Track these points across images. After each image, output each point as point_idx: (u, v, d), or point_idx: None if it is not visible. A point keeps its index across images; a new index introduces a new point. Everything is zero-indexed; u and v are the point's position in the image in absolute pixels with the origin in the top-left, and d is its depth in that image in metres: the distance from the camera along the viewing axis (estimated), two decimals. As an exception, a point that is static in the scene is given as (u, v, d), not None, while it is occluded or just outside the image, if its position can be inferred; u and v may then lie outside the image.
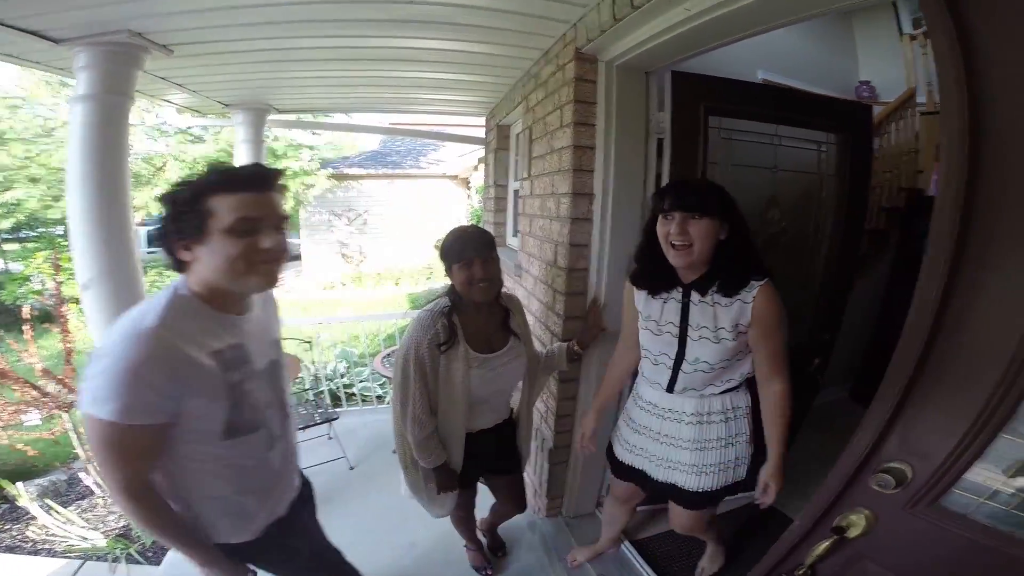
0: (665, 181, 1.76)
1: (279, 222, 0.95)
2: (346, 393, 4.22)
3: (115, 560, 2.27)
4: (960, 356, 0.72)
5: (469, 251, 1.43)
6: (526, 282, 2.38)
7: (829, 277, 2.19)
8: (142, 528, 1.02)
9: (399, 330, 4.17)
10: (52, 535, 2.42)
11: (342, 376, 4.63)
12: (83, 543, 2.37)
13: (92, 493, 2.80)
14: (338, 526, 2.25)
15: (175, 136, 8.99)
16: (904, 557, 0.82)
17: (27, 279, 7.33)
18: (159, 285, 7.16)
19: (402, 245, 11.36)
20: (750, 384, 1.37)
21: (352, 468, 2.90)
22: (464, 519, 1.94)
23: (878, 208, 3.05)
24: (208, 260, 0.91)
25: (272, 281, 0.98)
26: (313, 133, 10.56)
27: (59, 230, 7.64)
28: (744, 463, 1.39)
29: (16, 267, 8.05)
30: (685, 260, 1.23)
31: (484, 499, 1.92)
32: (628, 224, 1.81)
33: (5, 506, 2.69)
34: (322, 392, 3.70)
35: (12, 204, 7.10)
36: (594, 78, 1.72)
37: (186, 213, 0.89)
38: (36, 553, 2.38)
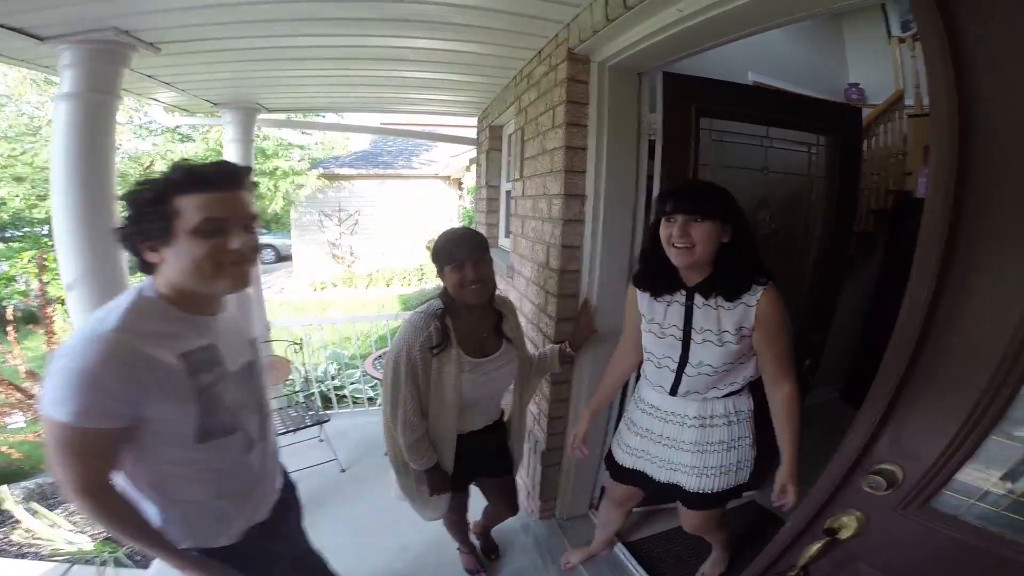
0: (657, 182, 1.76)
1: (248, 221, 0.93)
2: (337, 395, 4.20)
3: (103, 564, 2.23)
4: (951, 357, 0.72)
5: (461, 253, 1.42)
6: (518, 284, 2.38)
7: (819, 278, 2.20)
8: (101, 527, 1.00)
9: (391, 331, 4.15)
10: (37, 539, 2.38)
11: (333, 378, 4.60)
12: (69, 547, 2.33)
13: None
14: (330, 529, 2.25)
15: (163, 135, 8.91)
16: (896, 558, 0.82)
17: (12, 279, 7.22)
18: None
19: (393, 246, 11.32)
20: (753, 388, 1.37)
21: (343, 471, 2.88)
22: (457, 522, 1.93)
23: (867, 210, 3.08)
24: (175, 262, 0.88)
25: (242, 282, 0.95)
26: (304, 133, 10.52)
27: (44, 230, 7.53)
28: (747, 466, 1.40)
29: (0, 267, 7.93)
30: (687, 260, 1.23)
31: (477, 502, 1.92)
32: (620, 225, 1.81)
33: (-11, 510, 2.64)
34: (312, 394, 3.67)
35: (-3, 203, 7.02)
36: (586, 79, 1.72)
37: (150, 214, 0.86)
38: (22, 557, 2.34)
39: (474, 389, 1.53)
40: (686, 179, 1.74)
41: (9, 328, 2.73)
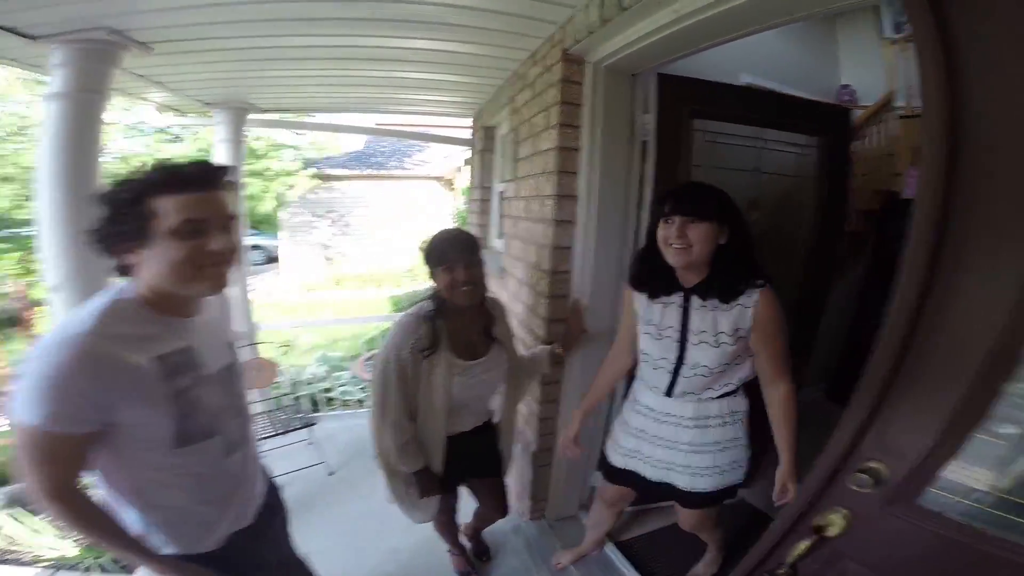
0: (650, 184, 1.77)
1: (227, 222, 0.91)
2: (326, 397, 4.16)
3: (87, 570, 2.20)
4: (936, 356, 0.73)
5: (452, 254, 1.41)
6: (510, 284, 2.37)
7: (808, 278, 2.22)
8: (72, 531, 0.98)
9: (381, 333, 4.13)
10: (18, 544, 2.34)
11: (322, 380, 4.57)
12: (51, 552, 2.29)
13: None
14: (318, 533, 2.23)
15: (153, 135, 8.81)
16: (883, 555, 0.83)
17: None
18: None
19: (385, 247, 11.26)
20: (747, 389, 1.38)
21: (332, 474, 2.85)
22: (447, 524, 1.92)
23: (856, 210, 3.11)
24: (152, 263, 0.86)
25: (221, 284, 0.93)
26: (296, 133, 10.43)
27: (29, 231, 7.40)
28: (741, 467, 1.41)
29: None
30: (684, 259, 1.24)
31: (467, 504, 1.91)
32: (612, 226, 1.81)
33: (-30, 515, 2.58)
34: (300, 397, 3.63)
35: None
36: (581, 80, 1.73)
37: (127, 215, 0.84)
38: (3, 562, 2.30)
39: (464, 391, 1.52)
40: (685, 181, 1.75)
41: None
